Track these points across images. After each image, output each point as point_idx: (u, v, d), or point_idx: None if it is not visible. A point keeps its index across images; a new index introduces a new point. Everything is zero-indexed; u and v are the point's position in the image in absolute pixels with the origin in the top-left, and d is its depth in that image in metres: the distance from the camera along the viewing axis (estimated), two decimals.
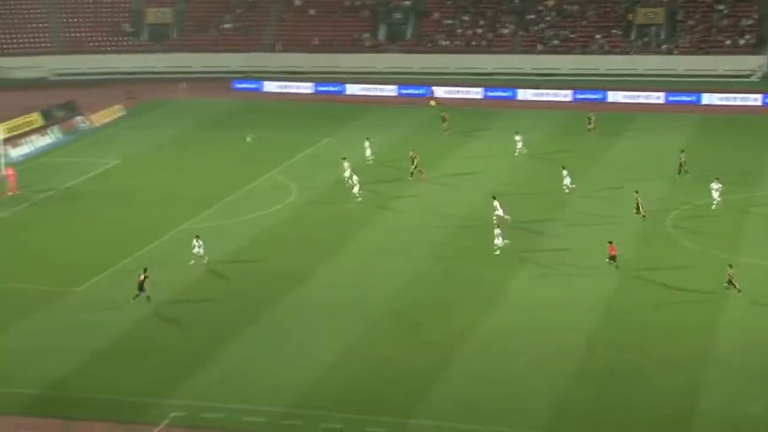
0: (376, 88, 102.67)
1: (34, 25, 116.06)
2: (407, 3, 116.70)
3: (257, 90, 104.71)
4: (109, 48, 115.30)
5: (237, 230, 62.75)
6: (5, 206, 67.52)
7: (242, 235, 61.80)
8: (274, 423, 40.81)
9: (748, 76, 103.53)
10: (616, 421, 40.67)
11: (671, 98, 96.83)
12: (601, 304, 51.14)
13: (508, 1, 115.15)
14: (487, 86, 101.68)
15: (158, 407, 41.87)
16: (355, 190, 67.57)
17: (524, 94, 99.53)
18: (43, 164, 78.57)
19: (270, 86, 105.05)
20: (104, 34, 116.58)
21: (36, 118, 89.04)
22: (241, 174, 73.32)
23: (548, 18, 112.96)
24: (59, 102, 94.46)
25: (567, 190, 67.78)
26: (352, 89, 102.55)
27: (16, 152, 79.61)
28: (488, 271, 55.43)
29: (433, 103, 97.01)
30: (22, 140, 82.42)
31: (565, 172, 68.33)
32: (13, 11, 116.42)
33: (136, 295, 50.66)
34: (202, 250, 55.82)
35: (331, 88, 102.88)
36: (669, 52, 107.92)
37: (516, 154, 77.21)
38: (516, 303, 51.83)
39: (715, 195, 64.17)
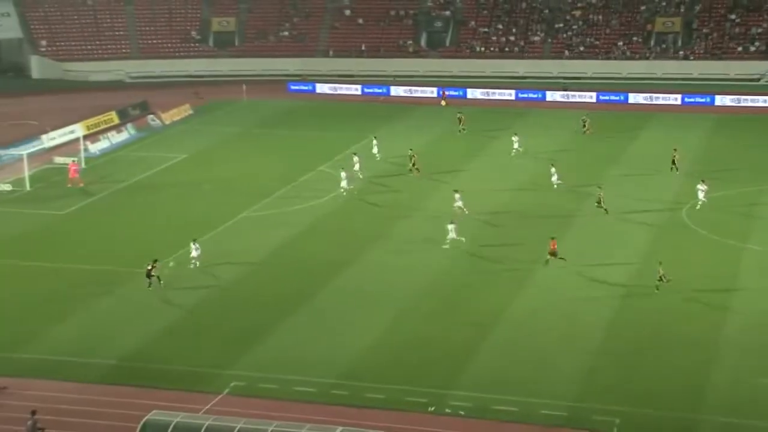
0: (417, 90, 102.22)
1: (113, 33, 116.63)
2: (447, 13, 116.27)
3: (311, 91, 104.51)
4: (179, 53, 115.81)
5: (291, 218, 62.57)
6: (81, 197, 67.67)
7: (296, 223, 61.61)
8: (324, 393, 40.73)
9: (757, 80, 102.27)
10: (636, 393, 40.27)
11: (687, 100, 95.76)
12: (621, 287, 50.62)
13: (538, 12, 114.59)
14: (519, 89, 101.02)
15: (220, 377, 41.97)
16: (343, 184, 66.37)
17: (552, 96, 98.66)
18: (118, 158, 78.83)
19: (322, 88, 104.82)
20: (175, 40, 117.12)
21: (113, 117, 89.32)
22: (295, 168, 73.09)
23: (575, 26, 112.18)
24: (134, 102, 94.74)
25: (555, 186, 66.28)
26: (396, 91, 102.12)
27: (95, 147, 79.94)
28: (517, 257, 54.94)
29: (443, 103, 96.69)
30: (101, 136, 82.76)
31: (553, 170, 66.88)
32: (95, 20, 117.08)
33: (149, 284, 50.66)
34: (197, 253, 53.71)
35: (377, 90, 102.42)
36: (685, 58, 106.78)
37: (512, 154, 75.25)
38: (543, 284, 51.40)
39: (701, 195, 61.51)
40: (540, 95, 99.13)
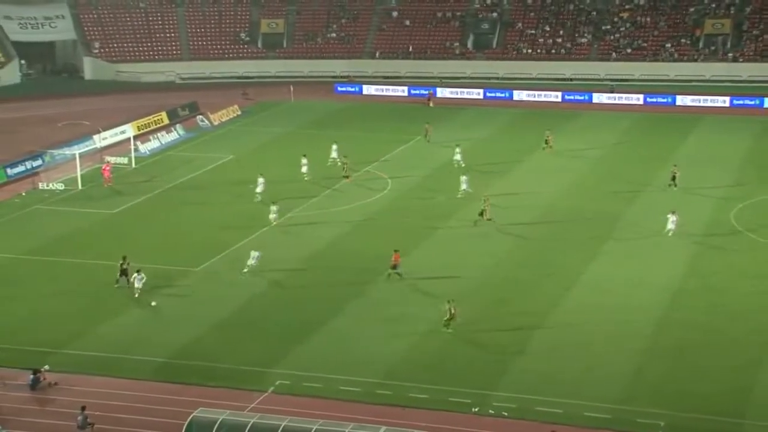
0: (464, 92, 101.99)
1: (164, 35, 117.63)
2: (494, 15, 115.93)
3: (358, 92, 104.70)
4: (228, 55, 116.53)
5: (340, 217, 62.66)
6: (132, 196, 68.27)
7: (344, 222, 61.72)
8: (368, 392, 40.69)
9: None
10: (682, 394, 39.97)
11: (735, 102, 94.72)
12: (669, 287, 50.22)
13: (586, 13, 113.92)
14: (565, 90, 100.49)
15: (266, 376, 42.10)
16: (259, 189, 65.53)
17: (599, 98, 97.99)
18: (168, 158, 79.39)
19: (369, 89, 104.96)
20: (224, 42, 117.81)
21: (163, 117, 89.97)
22: (352, 167, 72.40)
23: (623, 28, 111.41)
24: (183, 103, 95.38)
25: (461, 195, 64.92)
26: (442, 92, 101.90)
27: (145, 147, 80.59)
28: (566, 255, 54.70)
29: (431, 104, 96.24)
30: (151, 137, 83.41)
31: (463, 178, 65.75)
32: (146, 23, 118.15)
33: (116, 282, 50.85)
34: (255, 262, 53.01)
35: (424, 92, 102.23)
36: (734, 60, 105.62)
37: (455, 166, 72.29)
38: (591, 284, 51.12)
39: (670, 225, 57.25)
40: (586, 97, 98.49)
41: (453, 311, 45.46)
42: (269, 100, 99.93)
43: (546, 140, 77.56)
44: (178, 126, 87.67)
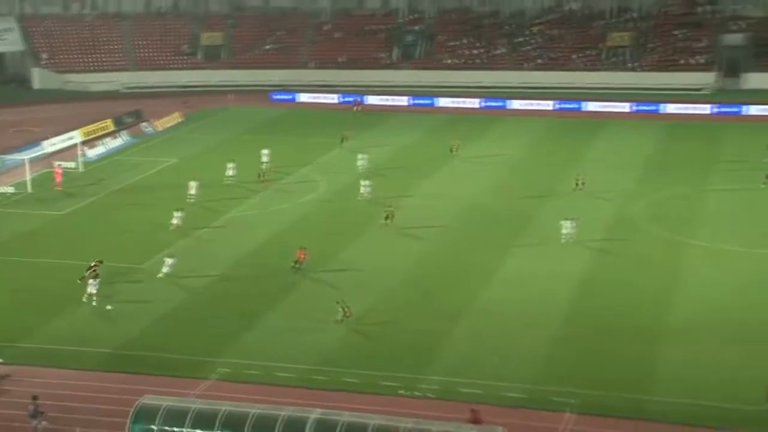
0: (391, 99, 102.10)
1: (109, 47, 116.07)
2: (418, 28, 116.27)
3: (292, 100, 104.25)
4: (171, 65, 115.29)
5: (274, 218, 62.37)
6: (79, 198, 67.29)
7: (281, 221, 61.43)
8: (303, 378, 40.60)
9: (700, 90, 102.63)
10: (591, 375, 40.48)
11: (637, 108, 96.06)
12: (576, 280, 50.66)
13: (502, 27, 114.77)
14: (484, 97, 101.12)
15: (208, 364, 41.79)
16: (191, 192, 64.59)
17: (514, 104, 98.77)
18: (115, 162, 78.33)
19: (303, 97, 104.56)
20: (167, 54, 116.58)
21: (109, 124, 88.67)
22: (280, 169, 72.78)
23: (534, 41, 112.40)
24: (129, 110, 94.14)
25: (360, 198, 64.58)
26: (371, 100, 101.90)
27: (93, 152, 79.38)
28: (484, 252, 55.00)
29: (356, 108, 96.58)
30: (98, 142, 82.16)
31: (367, 182, 65.12)
32: (93, 35, 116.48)
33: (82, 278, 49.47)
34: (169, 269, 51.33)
35: (352, 99, 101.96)
36: (635, 70, 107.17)
37: (359, 170, 71.32)
38: (507, 277, 51.46)
39: (565, 230, 55.72)
40: (503, 103, 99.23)
41: (346, 310, 45.36)
42: (209, 108, 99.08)
43: (452, 148, 76.80)
44: (123, 132, 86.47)
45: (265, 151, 74.01)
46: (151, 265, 53.37)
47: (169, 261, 51.54)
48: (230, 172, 69.96)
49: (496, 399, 38.51)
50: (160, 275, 51.23)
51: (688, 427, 36.45)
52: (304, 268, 52.10)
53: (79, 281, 49.57)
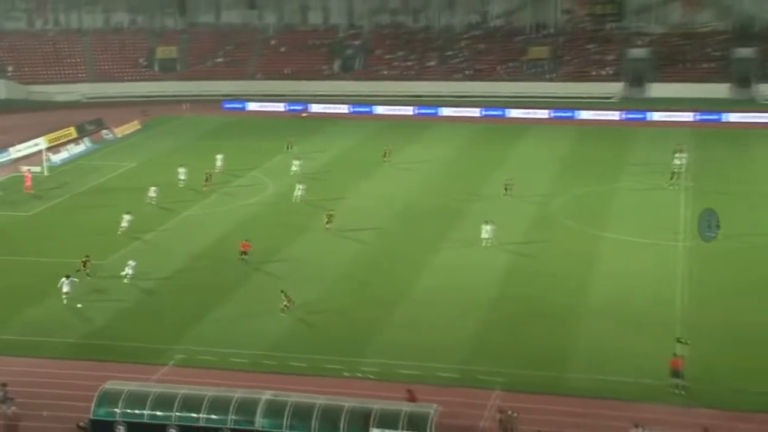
0: (333, 107, 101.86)
1: (71, 60, 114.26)
2: (357, 42, 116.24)
3: (242, 109, 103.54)
4: (129, 77, 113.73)
5: (226, 217, 61.94)
6: (45, 200, 66.27)
7: (230, 221, 61.02)
8: (254, 362, 40.51)
9: (610, 98, 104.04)
10: (517, 355, 40.93)
11: (554, 114, 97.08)
12: (501, 271, 51.06)
13: (433, 41, 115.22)
14: (418, 105, 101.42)
15: (167, 352, 41.53)
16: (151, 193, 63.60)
17: (445, 112, 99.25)
18: (78, 167, 77.14)
19: (252, 106, 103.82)
20: (125, 66, 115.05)
21: (72, 132, 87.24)
22: (231, 173, 72.36)
23: (462, 54, 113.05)
24: (90, 119, 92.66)
25: (294, 200, 63.68)
26: (315, 108, 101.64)
27: (57, 158, 78.05)
28: (418, 246, 55.21)
29: (304, 115, 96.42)
30: (61, 148, 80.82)
31: (301, 186, 64.62)
32: (55, 49, 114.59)
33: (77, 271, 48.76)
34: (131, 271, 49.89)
35: (299, 107, 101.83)
36: (552, 80, 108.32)
37: (292, 174, 70.50)
38: (439, 268, 51.70)
39: (485, 234, 54.33)
40: (435, 111, 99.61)
41: (288, 298, 45.24)
42: (166, 116, 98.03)
43: (384, 153, 76.28)
44: (86, 139, 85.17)
45: (219, 156, 73.43)
46: (113, 262, 52.73)
47: (131, 263, 50.32)
48: (182, 177, 69.05)
49: (431, 379, 38.76)
50: (125, 278, 49.64)
51: (601, 400, 37.08)
52: (250, 260, 51.93)
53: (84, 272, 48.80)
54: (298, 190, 64.87)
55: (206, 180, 68.01)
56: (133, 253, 53.48)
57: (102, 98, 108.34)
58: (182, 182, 68.71)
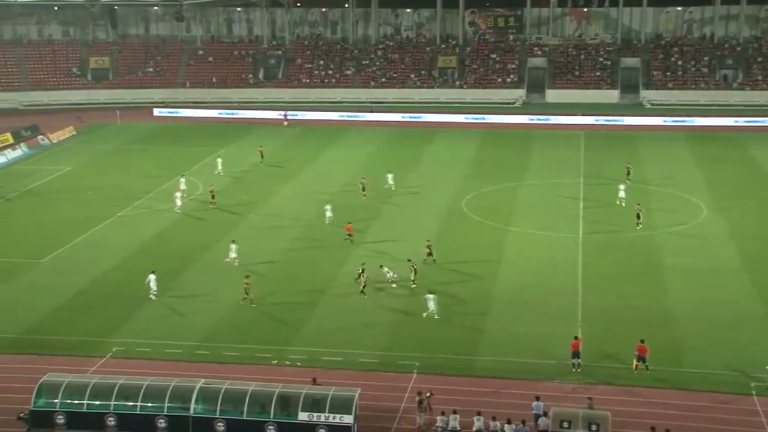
0: (259, 113, 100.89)
1: (6, 69, 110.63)
2: (279, 52, 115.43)
3: (172, 115, 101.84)
4: (63, 86, 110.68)
5: (162, 215, 60.85)
6: None
7: (164, 218, 59.97)
8: (189, 353, 39.92)
9: (513, 103, 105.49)
10: (431, 341, 41.13)
11: (464, 118, 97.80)
12: (418, 260, 50.66)
13: (350, 51, 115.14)
14: (337, 111, 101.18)
15: (104, 344, 40.66)
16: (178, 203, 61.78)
17: (363, 117, 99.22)
18: (14, 171, 74.91)
19: (182, 112, 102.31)
20: (59, 75, 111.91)
21: (8, 138, 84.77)
22: (162, 175, 71.17)
23: (377, 63, 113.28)
24: (26, 125, 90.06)
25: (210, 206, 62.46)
26: (242, 114, 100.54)
27: None
28: (338, 239, 55.08)
29: (286, 123, 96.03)
30: None
31: (182, 184, 65.06)
32: None
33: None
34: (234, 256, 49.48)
35: (226, 114, 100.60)
36: (460, 87, 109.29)
37: (216, 173, 70.62)
38: (359, 260, 51.48)
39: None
40: (353, 116, 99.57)
41: (248, 287, 44.94)
42: (99, 123, 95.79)
43: (261, 154, 75.83)
44: (22, 144, 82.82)
45: (219, 160, 71.81)
46: (49, 260, 51.35)
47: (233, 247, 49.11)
48: (182, 186, 65.54)
49: (353, 365, 38.76)
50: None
51: (509, 381, 37.58)
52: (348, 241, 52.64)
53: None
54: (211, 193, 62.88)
55: (212, 198, 62.77)
56: (72, 250, 52.12)
57: (37, 106, 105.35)
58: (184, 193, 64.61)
